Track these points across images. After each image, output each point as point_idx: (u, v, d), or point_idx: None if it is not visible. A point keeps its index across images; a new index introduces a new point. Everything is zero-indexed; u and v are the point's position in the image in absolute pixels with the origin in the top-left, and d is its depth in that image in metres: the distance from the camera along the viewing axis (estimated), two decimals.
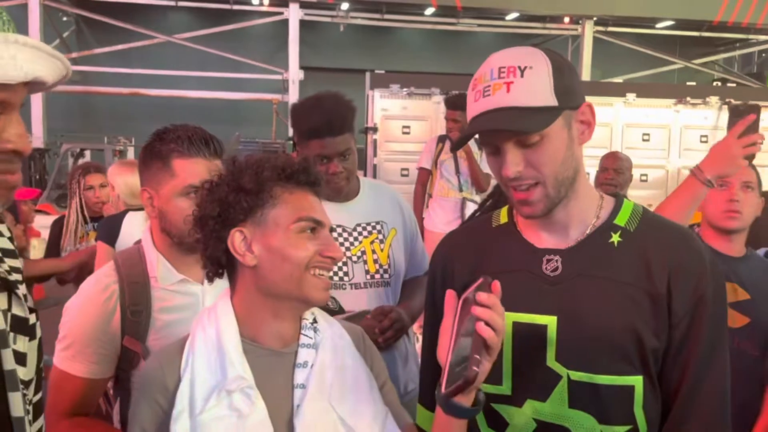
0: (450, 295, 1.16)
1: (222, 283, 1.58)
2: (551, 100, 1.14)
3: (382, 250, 2.17)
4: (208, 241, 1.19)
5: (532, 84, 1.13)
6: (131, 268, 1.58)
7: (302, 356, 1.19)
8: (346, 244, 2.11)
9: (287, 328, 1.21)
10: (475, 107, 1.18)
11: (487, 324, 1.03)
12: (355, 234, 2.14)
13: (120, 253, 1.66)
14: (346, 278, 2.08)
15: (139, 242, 1.68)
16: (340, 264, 2.06)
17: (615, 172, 4.04)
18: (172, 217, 1.55)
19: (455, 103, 4.90)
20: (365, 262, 2.12)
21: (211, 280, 1.24)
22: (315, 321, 1.25)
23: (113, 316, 1.53)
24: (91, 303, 1.54)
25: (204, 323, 1.19)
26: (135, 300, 1.54)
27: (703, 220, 2.18)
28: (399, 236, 2.22)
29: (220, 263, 1.20)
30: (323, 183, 1.25)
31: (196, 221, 1.20)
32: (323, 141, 2.02)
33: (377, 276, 2.13)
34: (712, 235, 2.14)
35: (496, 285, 1.08)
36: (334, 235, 2.03)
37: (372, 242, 2.15)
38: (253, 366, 1.15)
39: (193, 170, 1.53)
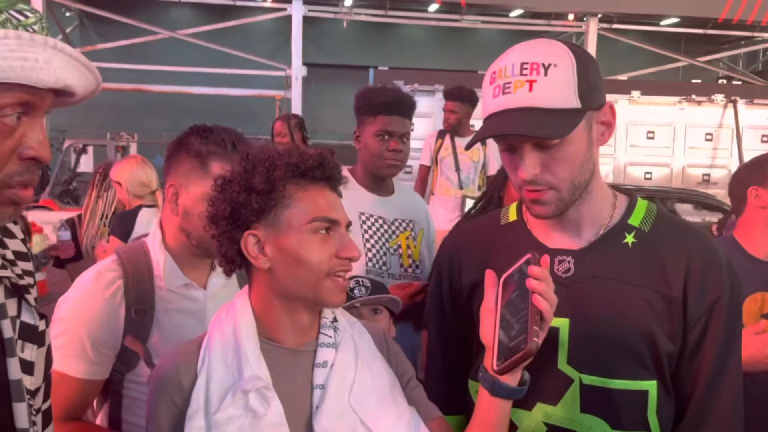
0: (490, 275, 1.13)
1: (223, 291, 1.56)
2: (575, 102, 1.09)
3: (414, 246, 2.28)
4: (221, 240, 1.15)
5: (556, 84, 1.08)
6: (136, 266, 1.51)
7: (322, 356, 1.16)
8: (386, 235, 2.22)
9: (305, 326, 1.17)
10: (493, 104, 1.13)
11: (542, 297, 1.02)
12: (393, 227, 2.25)
13: (123, 248, 1.59)
14: (384, 267, 2.19)
15: (141, 237, 1.62)
16: (380, 254, 2.19)
17: None
18: (197, 218, 1.46)
19: (454, 94, 4.86)
20: (400, 255, 2.23)
21: (228, 275, 1.21)
22: (335, 320, 1.22)
23: (118, 313, 1.46)
24: (94, 298, 1.46)
25: (222, 321, 1.17)
26: (140, 299, 1.48)
27: (742, 223, 2.09)
28: (425, 238, 2.35)
29: (234, 262, 1.17)
30: (342, 177, 1.20)
31: (209, 219, 1.17)
32: (392, 118, 2.19)
33: (409, 270, 2.24)
34: (748, 236, 2.04)
35: (546, 259, 1.06)
36: (376, 225, 2.20)
37: (407, 238, 2.27)
38: (272, 366, 1.12)
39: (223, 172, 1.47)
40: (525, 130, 1.09)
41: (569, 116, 1.09)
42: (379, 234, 2.22)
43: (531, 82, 1.08)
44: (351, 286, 1.82)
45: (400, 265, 2.23)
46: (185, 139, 1.53)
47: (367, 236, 2.20)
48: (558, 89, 1.08)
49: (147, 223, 3.32)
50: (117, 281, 1.48)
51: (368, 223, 2.22)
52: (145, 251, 1.54)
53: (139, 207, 3.44)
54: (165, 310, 1.50)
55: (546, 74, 1.08)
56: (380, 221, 2.23)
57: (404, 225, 2.28)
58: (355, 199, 2.17)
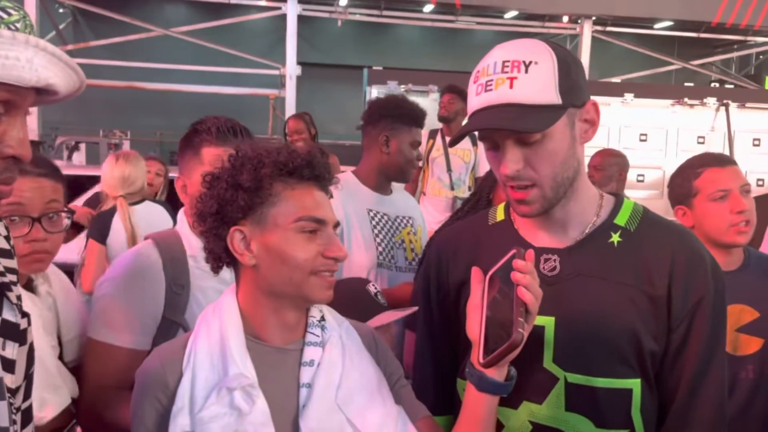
0: (476, 271, 1.14)
1: None
2: (555, 98, 1.11)
3: (416, 240, 2.47)
4: (208, 237, 1.16)
5: (537, 80, 1.10)
6: (171, 246, 1.62)
7: (308, 354, 1.15)
8: (392, 231, 2.38)
9: (292, 324, 1.17)
10: (476, 101, 1.15)
11: (526, 289, 1.03)
12: (396, 223, 2.43)
13: (154, 234, 1.70)
14: (393, 261, 2.35)
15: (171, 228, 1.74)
16: (388, 248, 2.36)
17: (593, 168, 3.97)
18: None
19: (454, 88, 4.84)
20: (404, 249, 2.39)
21: (215, 272, 1.21)
22: (323, 318, 1.21)
23: (160, 287, 1.57)
24: (136, 274, 1.58)
25: (208, 319, 1.17)
26: (177, 275, 1.59)
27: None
28: (424, 233, 2.55)
29: (220, 259, 1.17)
30: (331, 177, 1.20)
31: (196, 215, 1.17)
32: (420, 131, 2.43)
33: (413, 263, 2.42)
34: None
35: (531, 254, 1.07)
36: (383, 221, 2.36)
37: (408, 233, 2.45)
38: (257, 364, 1.12)
39: (219, 158, 1.56)
40: (503, 124, 1.10)
41: (549, 111, 1.10)
42: (386, 230, 2.37)
43: (512, 79, 1.10)
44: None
45: (405, 258, 2.39)
46: (184, 137, 1.69)
47: (376, 231, 2.35)
48: (538, 86, 1.10)
49: (119, 230, 3.31)
50: (157, 260, 1.60)
51: (376, 219, 2.37)
52: (176, 235, 1.67)
53: (114, 209, 3.37)
54: (200, 286, 1.61)
55: (527, 71, 1.10)
56: (386, 218, 2.39)
57: (405, 221, 2.45)
58: (362, 197, 2.39)
